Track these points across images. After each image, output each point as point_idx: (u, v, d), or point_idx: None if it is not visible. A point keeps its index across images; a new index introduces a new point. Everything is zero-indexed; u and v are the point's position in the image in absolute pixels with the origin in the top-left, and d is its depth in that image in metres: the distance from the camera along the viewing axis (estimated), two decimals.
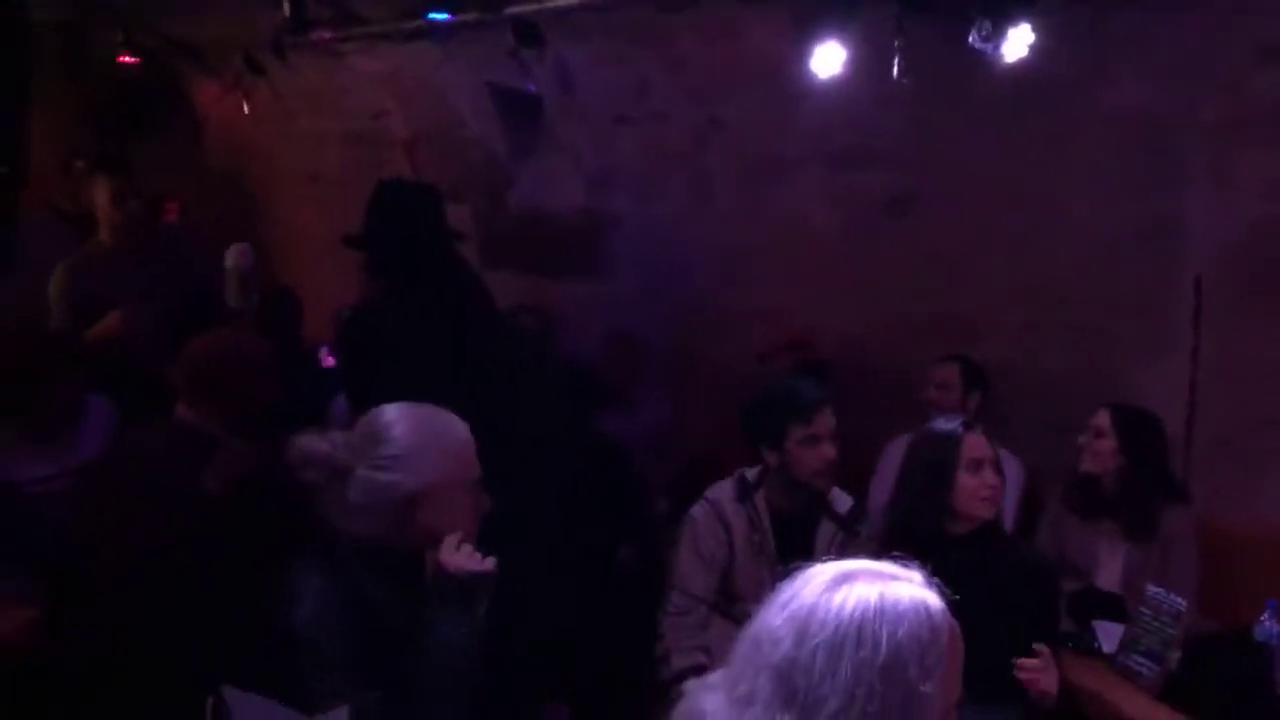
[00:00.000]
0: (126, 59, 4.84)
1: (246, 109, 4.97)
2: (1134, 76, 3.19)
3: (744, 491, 2.65)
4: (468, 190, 4.79)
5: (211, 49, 4.87)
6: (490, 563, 1.69)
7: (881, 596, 1.07)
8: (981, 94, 3.25)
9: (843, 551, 2.55)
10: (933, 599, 1.11)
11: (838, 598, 1.08)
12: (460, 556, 1.67)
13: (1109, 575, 2.83)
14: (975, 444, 2.34)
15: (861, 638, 1.04)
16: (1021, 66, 2.92)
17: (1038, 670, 2.09)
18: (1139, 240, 3.35)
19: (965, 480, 2.31)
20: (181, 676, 1.67)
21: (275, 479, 2.20)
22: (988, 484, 2.30)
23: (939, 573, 1.16)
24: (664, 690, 2.46)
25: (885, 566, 1.14)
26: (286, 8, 4.00)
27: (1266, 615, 2.44)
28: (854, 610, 1.06)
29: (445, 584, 1.66)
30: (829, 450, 2.54)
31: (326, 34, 4.38)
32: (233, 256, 3.40)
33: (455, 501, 1.72)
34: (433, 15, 3.98)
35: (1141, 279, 3.37)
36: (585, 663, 2.94)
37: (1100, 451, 2.85)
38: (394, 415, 1.74)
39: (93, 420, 2.94)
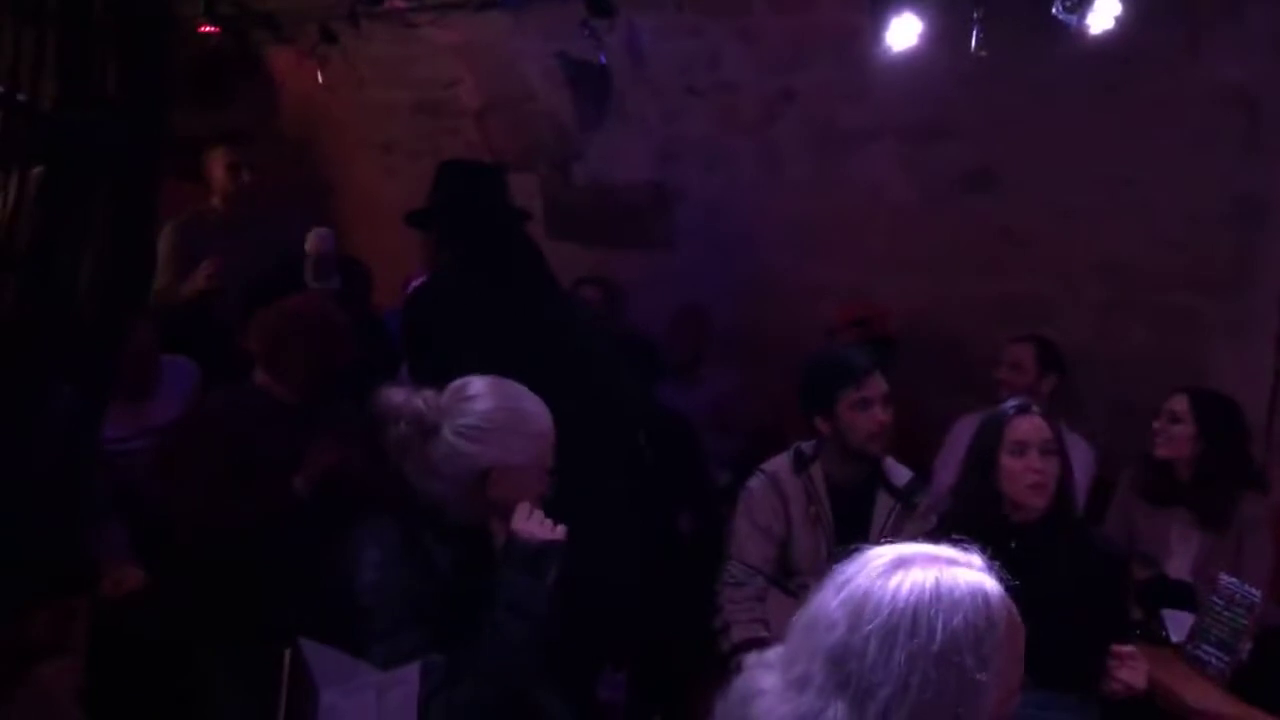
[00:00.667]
0: (206, 28, 4.95)
1: (320, 78, 5.04)
2: (1226, 51, 3.08)
3: (800, 464, 2.65)
4: (536, 160, 4.81)
5: (287, 18, 4.94)
6: (561, 530, 1.73)
7: (938, 582, 1.06)
8: (1064, 68, 3.16)
9: (899, 524, 2.55)
10: (991, 584, 1.09)
11: (893, 583, 1.07)
12: (533, 524, 1.71)
13: (1180, 563, 2.76)
14: (1021, 426, 2.27)
15: (916, 625, 1.03)
16: (1107, 39, 2.82)
17: (1135, 661, 2.05)
18: (1224, 220, 3.24)
19: (1009, 464, 2.25)
20: (259, 632, 1.73)
21: (361, 475, 2.27)
22: (1033, 469, 2.22)
23: (1001, 560, 1.14)
24: (723, 661, 2.48)
25: (944, 550, 1.12)
26: None
27: None
28: (909, 596, 1.05)
29: (517, 551, 1.69)
30: (881, 414, 2.52)
31: (400, 3, 4.42)
32: (313, 241, 3.50)
33: (526, 482, 1.76)
34: None
35: (1226, 260, 3.26)
36: (644, 632, 2.98)
37: (1176, 437, 2.77)
38: (486, 388, 1.78)
39: (171, 381, 3.04)
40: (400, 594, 1.67)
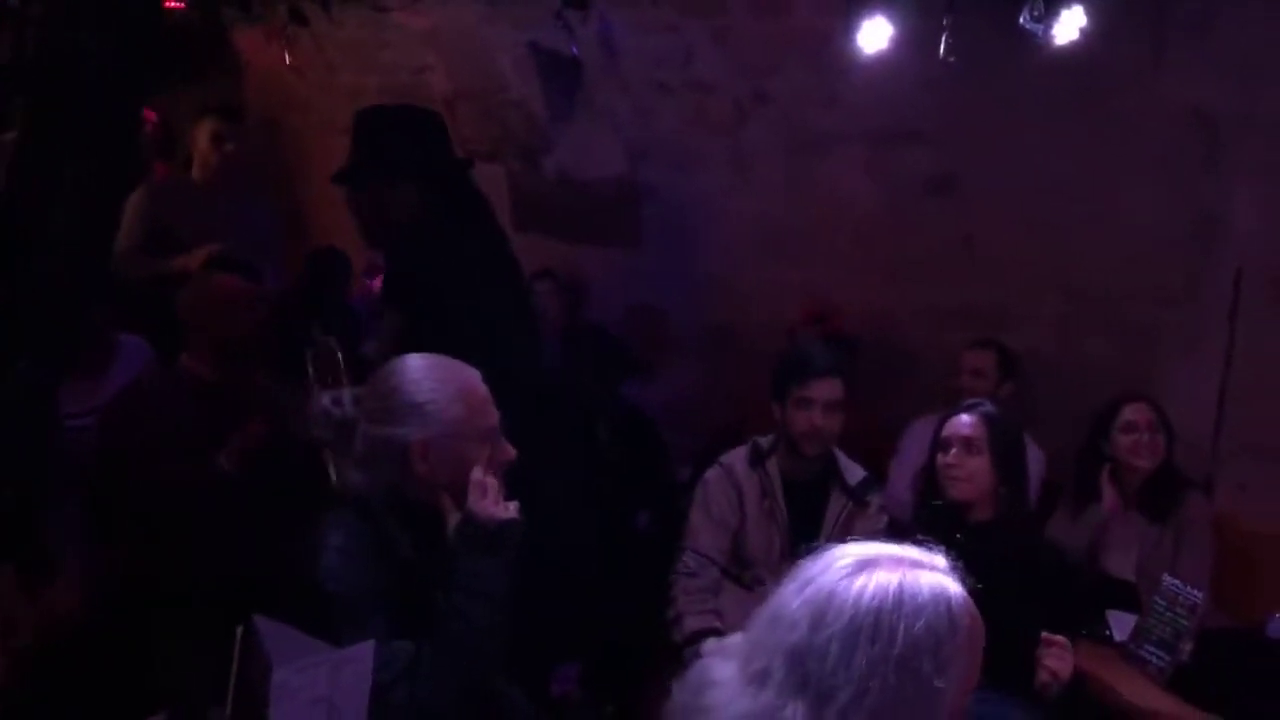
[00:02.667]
0: (172, 3, 4.86)
1: (288, 59, 4.98)
2: (1191, 67, 3.15)
3: (757, 457, 2.68)
4: (504, 151, 4.79)
5: None
6: (514, 508, 1.69)
7: (901, 586, 1.06)
8: (1030, 77, 3.22)
9: (850, 522, 2.59)
10: (954, 588, 1.09)
11: (857, 584, 1.06)
12: (487, 503, 1.66)
13: (1123, 562, 2.82)
14: (951, 424, 2.41)
15: (878, 629, 1.03)
16: (1072, 51, 2.88)
17: (1062, 650, 2.10)
18: (1182, 234, 3.32)
19: (938, 459, 2.40)
20: (211, 612, 1.71)
21: (289, 453, 2.27)
22: (948, 462, 2.37)
23: (951, 556, 1.15)
24: (675, 652, 2.49)
25: (909, 551, 1.13)
26: None
27: None
28: (872, 600, 1.05)
29: (470, 531, 1.65)
30: (817, 418, 2.56)
31: None
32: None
33: (463, 451, 1.70)
34: None
35: (1182, 273, 3.34)
36: (599, 625, 2.98)
37: (1157, 446, 2.83)
38: (398, 366, 1.74)
39: (125, 360, 2.99)
40: (364, 579, 1.64)
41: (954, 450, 2.38)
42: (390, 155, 2.65)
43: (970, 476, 2.36)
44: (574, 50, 4.07)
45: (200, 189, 3.72)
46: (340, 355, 2.48)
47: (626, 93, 4.33)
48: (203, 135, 3.72)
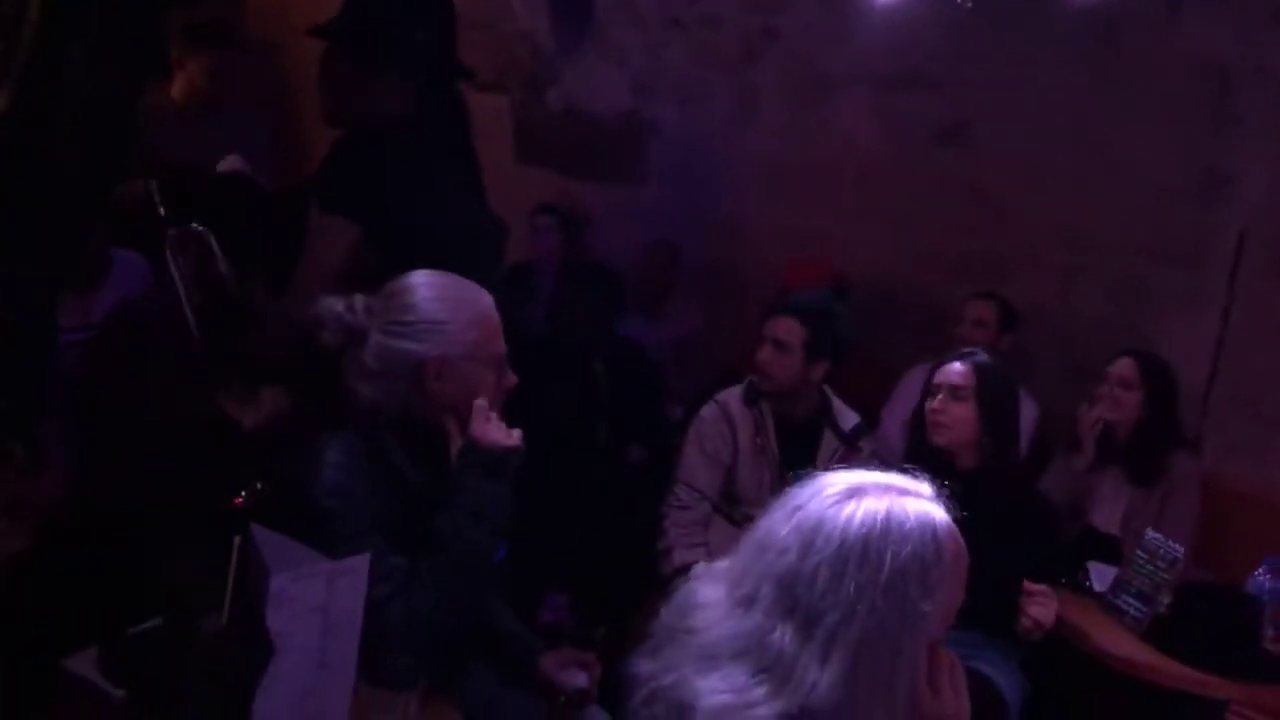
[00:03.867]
0: None
1: None
2: (1207, 22, 3.11)
3: (752, 396, 2.71)
4: (509, 81, 4.73)
5: None
6: (517, 436, 1.69)
7: (889, 513, 1.08)
8: (1047, 27, 3.18)
9: (842, 463, 2.60)
10: (939, 514, 1.12)
11: (845, 512, 1.08)
12: (490, 428, 1.67)
13: (1108, 518, 2.85)
14: (942, 371, 2.43)
15: (866, 555, 1.05)
16: (1091, 2, 2.84)
17: (1045, 599, 2.14)
18: (1189, 191, 3.30)
19: (927, 404, 2.42)
20: (206, 524, 1.72)
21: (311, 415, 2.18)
22: (933, 408, 2.40)
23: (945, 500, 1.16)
24: (664, 584, 2.53)
25: (895, 479, 1.15)
26: None
27: (1262, 569, 2.47)
28: (860, 527, 1.07)
29: (474, 456, 1.66)
30: (765, 353, 2.68)
31: None
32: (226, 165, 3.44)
33: (473, 374, 1.70)
34: None
35: (1186, 231, 3.33)
36: (589, 558, 3.02)
37: (1125, 401, 2.84)
38: (415, 282, 1.72)
39: (120, 275, 2.96)
40: (363, 496, 1.64)
41: (940, 396, 2.40)
42: (387, 32, 2.31)
43: (953, 423, 2.38)
44: None
45: (185, 114, 3.62)
46: (216, 247, 2.21)
47: (636, 26, 4.27)
48: (199, 70, 3.61)
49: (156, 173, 3.10)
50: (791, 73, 3.98)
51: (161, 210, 2.27)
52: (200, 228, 2.18)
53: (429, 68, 2.39)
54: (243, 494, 1.70)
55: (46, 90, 1.60)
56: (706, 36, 4.13)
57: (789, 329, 2.65)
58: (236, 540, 1.35)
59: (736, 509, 2.66)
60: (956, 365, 2.42)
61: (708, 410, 2.73)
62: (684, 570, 2.49)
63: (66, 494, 2.19)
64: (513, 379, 1.78)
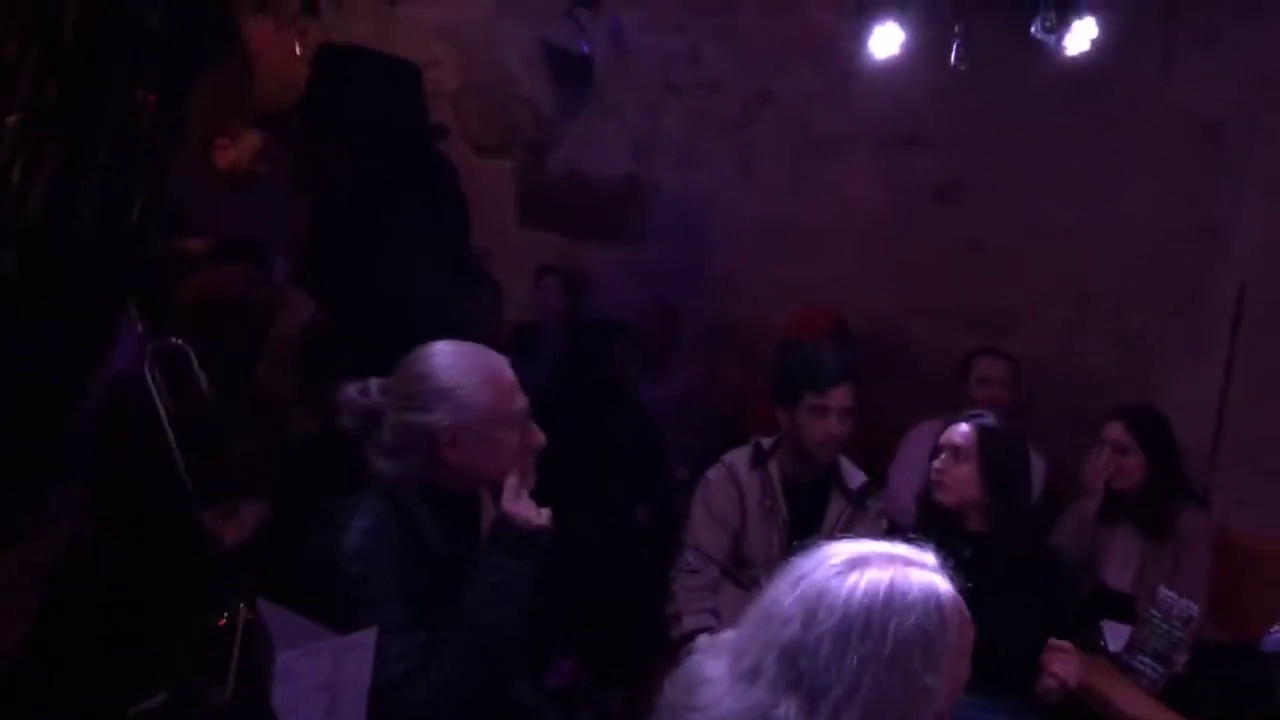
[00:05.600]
0: None
1: (299, 50, 4.99)
2: (1198, 78, 3.17)
3: (759, 458, 2.68)
4: (512, 146, 4.81)
5: None
6: (547, 515, 1.68)
7: (892, 584, 1.07)
8: (1040, 86, 3.24)
9: (850, 525, 2.59)
10: (944, 586, 1.10)
11: (849, 582, 1.07)
12: (522, 506, 1.66)
13: (1121, 575, 2.82)
14: (947, 432, 2.42)
15: (869, 627, 1.04)
16: (1083, 61, 2.90)
17: (1069, 656, 2.11)
18: (1188, 244, 3.34)
19: (932, 464, 2.40)
20: (216, 589, 1.71)
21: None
22: (935, 468, 2.39)
23: (952, 564, 1.15)
24: (673, 649, 2.50)
25: (900, 549, 1.13)
26: None
27: (1278, 627, 2.44)
28: (863, 598, 1.06)
29: (506, 532, 1.65)
30: (835, 426, 2.55)
31: None
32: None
33: (493, 437, 1.69)
34: None
35: (1186, 283, 3.36)
36: (597, 621, 2.99)
37: (1127, 466, 2.81)
38: (426, 353, 1.72)
39: (122, 341, 2.98)
40: (387, 563, 1.61)
41: (944, 456, 2.39)
42: (346, 106, 2.37)
43: (955, 483, 2.36)
44: (584, 48, 4.08)
45: (220, 184, 3.75)
46: (196, 363, 2.24)
47: (635, 91, 4.34)
48: (246, 144, 3.80)
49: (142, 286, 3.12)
50: (789, 134, 4.05)
51: (139, 326, 2.23)
52: (179, 342, 2.17)
53: (394, 136, 2.41)
54: (224, 617, 1.64)
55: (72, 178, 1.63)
56: (705, 100, 4.21)
57: (848, 395, 2.56)
58: (242, 614, 1.34)
59: (745, 572, 2.63)
60: (961, 427, 2.42)
61: (714, 473, 2.70)
62: (692, 635, 2.46)
63: (66, 554, 2.17)
64: (540, 437, 1.75)
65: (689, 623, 2.52)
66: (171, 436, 2.05)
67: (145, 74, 1.75)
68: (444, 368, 1.69)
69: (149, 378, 2.14)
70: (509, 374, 1.75)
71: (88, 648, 1.87)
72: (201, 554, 2.16)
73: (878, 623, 1.04)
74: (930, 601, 1.07)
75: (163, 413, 2.09)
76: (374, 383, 1.74)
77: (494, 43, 4.62)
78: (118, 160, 1.66)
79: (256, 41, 5.64)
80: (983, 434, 2.39)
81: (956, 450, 2.38)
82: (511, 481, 1.68)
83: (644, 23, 4.12)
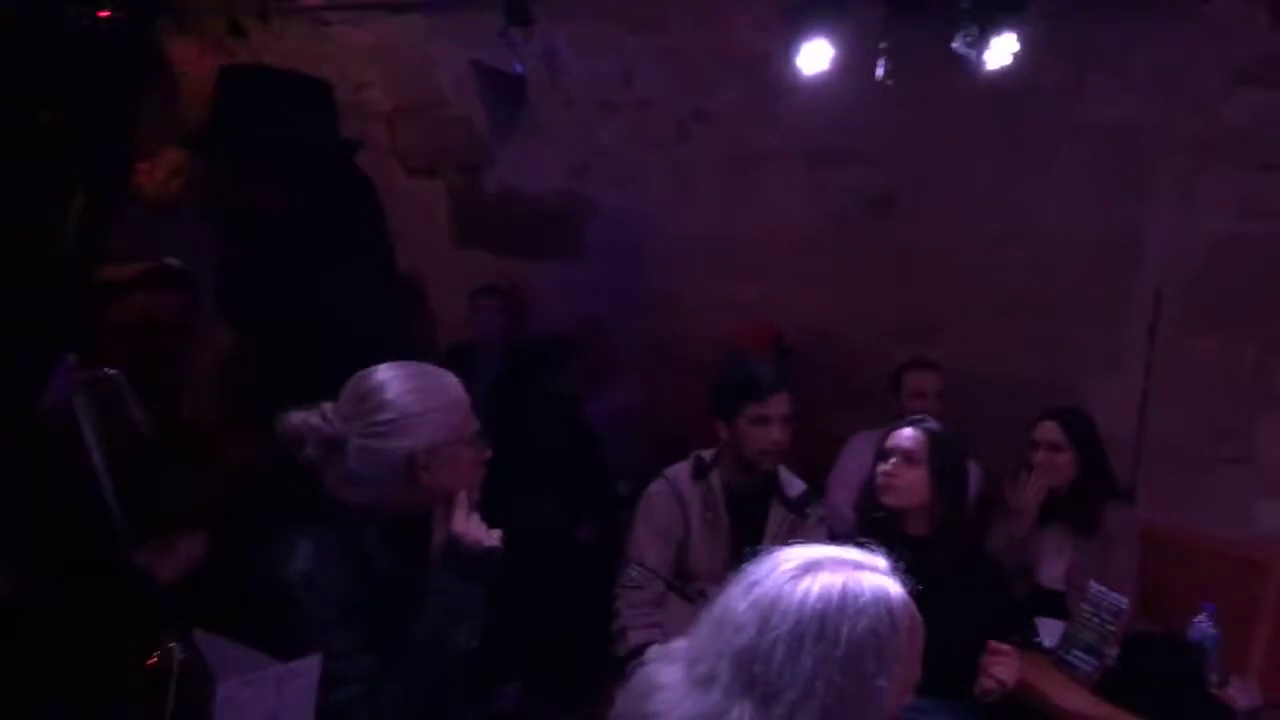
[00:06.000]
0: (104, 13, 4.77)
1: None
2: (1113, 90, 3.30)
3: (700, 470, 2.70)
4: (446, 166, 4.79)
5: (192, 8, 4.79)
6: (497, 536, 1.68)
7: (844, 588, 1.09)
8: (963, 99, 3.32)
9: (791, 534, 2.62)
10: (895, 589, 1.13)
11: (801, 587, 1.09)
12: (472, 526, 1.66)
13: (1053, 573, 2.90)
14: (893, 436, 2.48)
15: (823, 631, 1.06)
16: (1004, 74, 2.98)
17: (1009, 659, 2.16)
18: (1105, 251, 3.45)
19: (878, 468, 2.47)
20: (150, 627, 1.66)
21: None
22: (884, 471, 2.45)
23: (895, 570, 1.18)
24: (619, 666, 2.49)
25: (852, 553, 1.16)
26: None
27: (1202, 617, 2.53)
28: (816, 602, 1.08)
29: (456, 554, 1.65)
30: (777, 433, 2.59)
31: (314, 1, 4.35)
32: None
33: (457, 456, 1.70)
34: None
35: (1106, 289, 3.47)
36: (541, 641, 2.97)
37: (1060, 463, 2.90)
38: (384, 378, 1.69)
39: (59, 369, 2.90)
40: (334, 588, 1.60)
41: (894, 460, 2.45)
42: (251, 125, 2.30)
43: (905, 486, 2.43)
44: (518, 68, 4.08)
45: (143, 210, 3.66)
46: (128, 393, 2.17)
47: (569, 109, 4.36)
48: (168, 163, 3.66)
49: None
50: (723, 151, 4.10)
51: (71, 356, 2.16)
52: (112, 372, 2.11)
53: (304, 152, 2.36)
54: (157, 655, 1.56)
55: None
56: (639, 118, 4.24)
57: (786, 402, 2.61)
58: (177, 650, 1.31)
59: (690, 585, 2.64)
60: (909, 431, 2.47)
61: (656, 486, 2.72)
62: (639, 651, 2.46)
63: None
64: (486, 451, 1.77)
65: (635, 638, 2.52)
66: (102, 469, 1.99)
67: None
68: (409, 392, 1.68)
69: (77, 410, 2.07)
70: (465, 394, 1.76)
71: (12, 693, 1.80)
72: (132, 592, 2.09)
73: (831, 626, 1.06)
74: (882, 605, 1.09)
75: (93, 446, 2.02)
76: (328, 408, 1.70)
77: (426, 64, 4.60)
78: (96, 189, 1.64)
79: (181, 63, 5.54)
80: (932, 438, 2.46)
81: (908, 454, 2.43)
82: (461, 497, 1.68)
83: (577, 42, 4.14)
